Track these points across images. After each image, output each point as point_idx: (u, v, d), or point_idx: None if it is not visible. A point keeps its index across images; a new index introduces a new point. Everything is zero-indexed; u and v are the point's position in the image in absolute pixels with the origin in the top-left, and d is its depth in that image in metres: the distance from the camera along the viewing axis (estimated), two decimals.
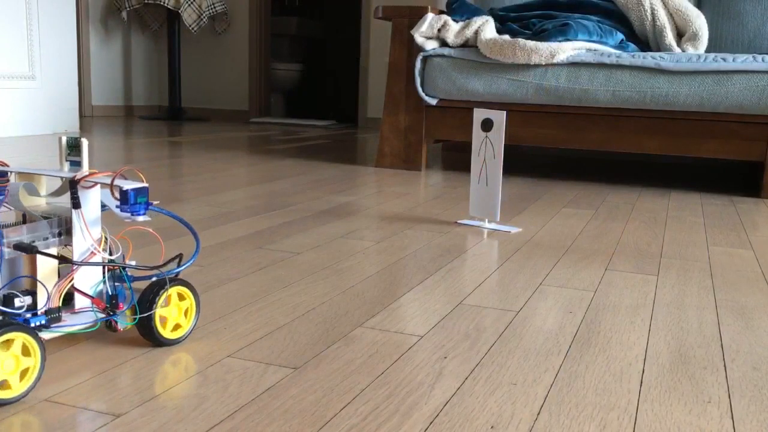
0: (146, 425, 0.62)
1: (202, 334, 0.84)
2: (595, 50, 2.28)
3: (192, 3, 4.54)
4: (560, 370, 0.78)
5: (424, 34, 2.37)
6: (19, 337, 0.65)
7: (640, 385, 0.74)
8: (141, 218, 0.73)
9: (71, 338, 0.81)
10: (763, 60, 2.10)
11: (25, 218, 0.78)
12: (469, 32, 2.36)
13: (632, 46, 2.47)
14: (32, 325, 0.71)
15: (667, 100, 2.17)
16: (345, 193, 1.94)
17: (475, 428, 0.64)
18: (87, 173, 0.74)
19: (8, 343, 0.65)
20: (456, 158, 3.05)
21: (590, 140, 2.31)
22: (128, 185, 0.73)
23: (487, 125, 1.52)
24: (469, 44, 2.40)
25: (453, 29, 2.38)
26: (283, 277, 1.10)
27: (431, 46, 2.40)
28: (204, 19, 4.59)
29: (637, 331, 0.91)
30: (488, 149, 1.53)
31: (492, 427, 0.64)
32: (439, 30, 2.38)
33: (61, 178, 0.76)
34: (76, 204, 0.74)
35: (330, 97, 6.24)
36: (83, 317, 0.75)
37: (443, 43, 2.45)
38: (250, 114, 4.99)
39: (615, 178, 2.54)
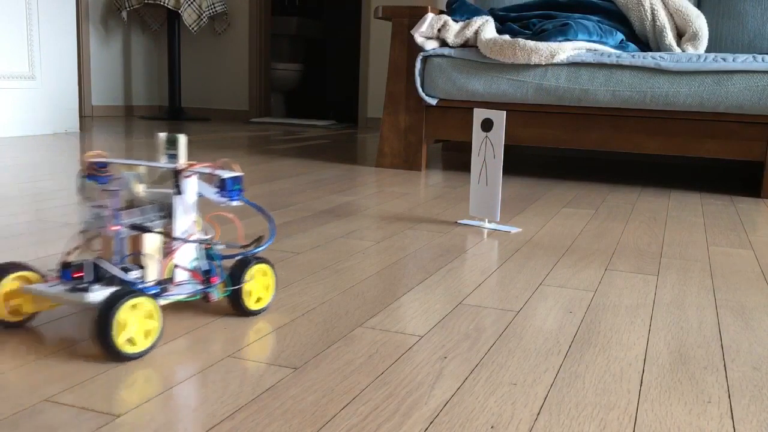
0: (146, 425, 0.62)
1: (202, 334, 0.84)
2: (595, 50, 2.28)
3: (192, 3, 4.54)
4: (560, 370, 0.78)
5: (424, 34, 2.37)
6: (144, 302, 0.76)
7: (640, 385, 0.74)
8: (235, 202, 0.86)
9: (71, 339, 0.81)
10: (763, 60, 2.10)
11: (131, 204, 0.87)
12: (469, 32, 2.36)
13: (632, 46, 2.47)
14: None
15: (667, 100, 2.17)
16: (345, 193, 1.94)
17: (475, 428, 0.64)
18: (189, 164, 0.85)
19: (136, 306, 0.75)
20: (456, 158, 3.05)
21: (590, 140, 2.31)
22: (226, 174, 0.85)
23: (487, 125, 1.52)
24: (469, 44, 2.40)
25: (453, 29, 2.38)
26: (283, 277, 1.10)
27: (431, 46, 2.40)
28: (204, 19, 4.59)
29: (637, 331, 0.91)
30: (488, 149, 1.53)
31: (492, 427, 0.64)
32: (439, 30, 2.38)
33: (165, 169, 0.86)
34: (178, 191, 0.84)
35: (330, 97, 6.24)
36: (184, 289, 0.86)
37: (443, 43, 2.45)
38: (250, 114, 4.99)
39: (615, 178, 2.54)
